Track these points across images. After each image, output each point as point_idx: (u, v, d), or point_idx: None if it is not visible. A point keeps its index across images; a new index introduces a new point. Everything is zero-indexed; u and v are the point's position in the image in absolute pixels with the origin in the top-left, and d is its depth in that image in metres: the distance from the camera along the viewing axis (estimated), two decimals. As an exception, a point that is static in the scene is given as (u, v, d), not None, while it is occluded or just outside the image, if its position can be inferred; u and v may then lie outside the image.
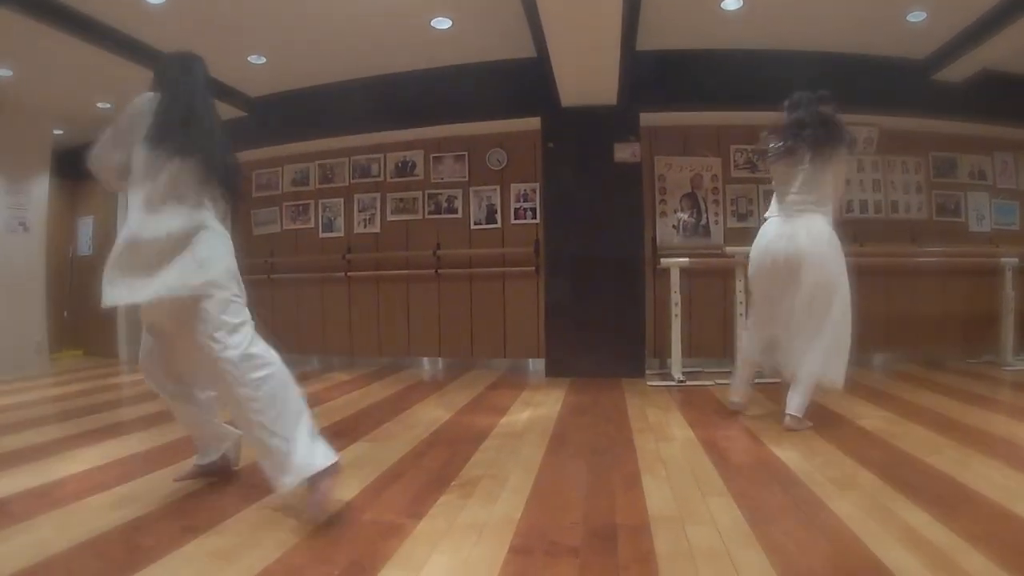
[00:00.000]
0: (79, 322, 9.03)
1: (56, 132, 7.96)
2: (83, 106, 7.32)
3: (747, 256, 4.36)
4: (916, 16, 5.53)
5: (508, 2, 5.08)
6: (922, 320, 6.76)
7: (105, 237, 8.43)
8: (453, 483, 2.94)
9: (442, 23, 5.70)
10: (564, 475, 3.09)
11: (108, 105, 7.34)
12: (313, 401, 4.30)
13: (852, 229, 6.59)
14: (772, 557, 2.04)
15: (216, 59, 5.32)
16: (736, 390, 4.37)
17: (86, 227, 9.15)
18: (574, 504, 2.64)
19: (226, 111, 6.97)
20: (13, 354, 6.94)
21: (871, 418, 4.17)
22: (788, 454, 3.33)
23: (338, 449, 2.59)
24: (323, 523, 2.40)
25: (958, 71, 6.18)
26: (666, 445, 3.58)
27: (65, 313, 8.95)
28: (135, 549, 2.21)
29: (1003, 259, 6.40)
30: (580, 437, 3.87)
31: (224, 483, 2.98)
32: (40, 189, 7.53)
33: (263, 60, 6.29)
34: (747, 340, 4.30)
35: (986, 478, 2.81)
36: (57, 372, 7.22)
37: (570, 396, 5.22)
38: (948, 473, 2.91)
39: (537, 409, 4.70)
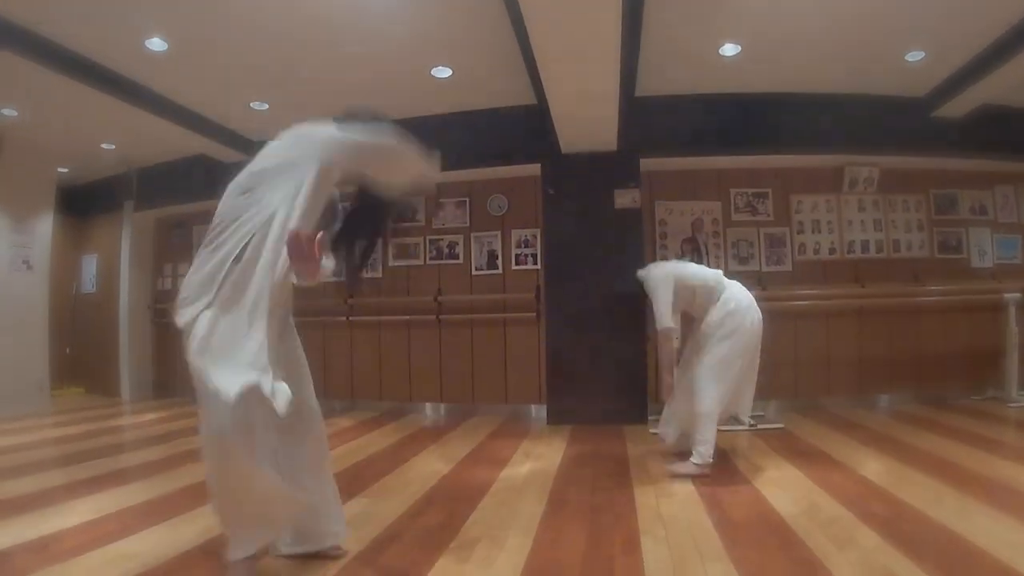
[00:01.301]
0: (81, 359, 9.08)
1: (61, 170, 8.09)
2: (88, 146, 7.46)
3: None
4: (914, 56, 5.57)
5: (507, 51, 5.15)
6: (925, 358, 6.71)
7: (108, 275, 8.80)
8: (451, 544, 2.92)
9: (442, 72, 5.78)
10: (563, 536, 3.04)
11: (112, 146, 7.52)
12: None
13: (853, 270, 6.64)
14: (768, 631, 2.01)
15: (218, 105, 5.43)
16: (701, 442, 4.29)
17: (90, 265, 9.21)
18: (571, 570, 2.62)
19: (228, 155, 7.14)
20: (14, 392, 6.98)
21: (873, 466, 4.14)
22: (789, 509, 3.30)
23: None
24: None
25: (958, 107, 6.20)
26: (667, 501, 3.55)
27: (67, 350, 9.02)
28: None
29: (1006, 295, 6.39)
30: (580, 493, 3.82)
31: (220, 543, 2.93)
32: (44, 227, 7.62)
33: (265, 106, 6.37)
34: (723, 393, 4.26)
35: (990, 532, 2.77)
36: (58, 411, 7.23)
37: (571, 446, 5.17)
38: (951, 528, 2.87)
39: (537, 461, 4.66)
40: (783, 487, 3.75)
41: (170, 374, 8.44)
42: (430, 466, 4.57)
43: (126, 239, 8.52)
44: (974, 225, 6.99)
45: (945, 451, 4.43)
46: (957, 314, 6.77)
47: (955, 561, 2.51)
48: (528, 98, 5.95)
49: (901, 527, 2.93)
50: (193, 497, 3.62)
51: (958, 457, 4.23)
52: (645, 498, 3.62)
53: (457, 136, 6.61)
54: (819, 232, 6.78)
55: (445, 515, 3.39)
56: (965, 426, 5.30)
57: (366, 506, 3.59)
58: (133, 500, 3.67)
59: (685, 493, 3.72)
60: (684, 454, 4.22)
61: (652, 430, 5.14)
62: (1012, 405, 6.12)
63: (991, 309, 6.57)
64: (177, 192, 7.99)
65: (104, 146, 7.51)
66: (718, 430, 4.19)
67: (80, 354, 9.11)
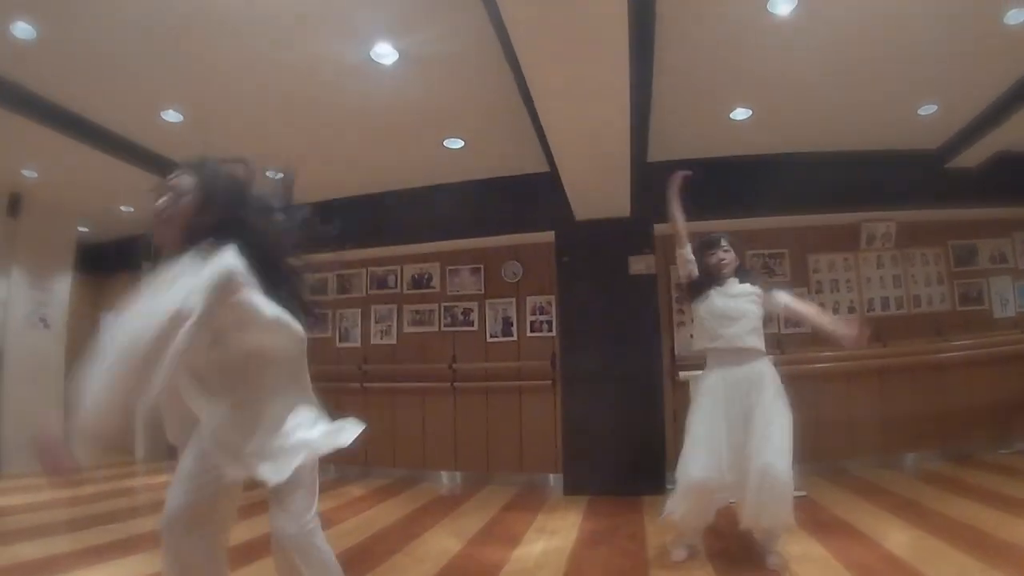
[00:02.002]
0: None
1: (81, 229, 8.21)
2: (107, 208, 7.62)
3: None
4: (927, 109, 5.57)
5: (518, 122, 5.18)
6: (950, 414, 6.54)
7: None
8: None
9: (454, 143, 5.87)
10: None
11: (131, 209, 7.67)
12: (326, 523, 4.23)
13: (874, 327, 6.51)
14: None
15: None
16: None
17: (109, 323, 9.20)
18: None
19: None
20: (29, 448, 6.95)
21: (898, 538, 4.01)
22: (811, 594, 3.19)
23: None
24: None
25: (973, 157, 6.18)
26: (681, 585, 3.44)
27: None
28: None
29: (1030, 345, 6.23)
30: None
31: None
32: (62, 286, 7.71)
33: (280, 175, 6.38)
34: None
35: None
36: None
37: (587, 521, 5.05)
38: (977, 613, 2.76)
39: (551, 539, 4.54)
40: (803, 566, 3.61)
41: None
42: (441, 543, 4.48)
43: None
44: (995, 274, 6.89)
45: (972, 517, 4.28)
46: (981, 367, 6.62)
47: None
48: (541, 165, 5.98)
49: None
50: None
51: (986, 524, 4.08)
52: (656, 580, 3.51)
53: (471, 203, 6.70)
54: (837, 291, 6.72)
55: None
56: (993, 485, 5.16)
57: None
58: (135, 572, 3.62)
59: (700, 571, 3.61)
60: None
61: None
62: (1041, 458, 5.94)
63: (1016, 359, 6.46)
64: None
65: (123, 208, 7.67)
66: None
67: None
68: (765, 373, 3.77)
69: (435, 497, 6.17)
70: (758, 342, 3.81)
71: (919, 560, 3.52)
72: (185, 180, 2.23)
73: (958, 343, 6.58)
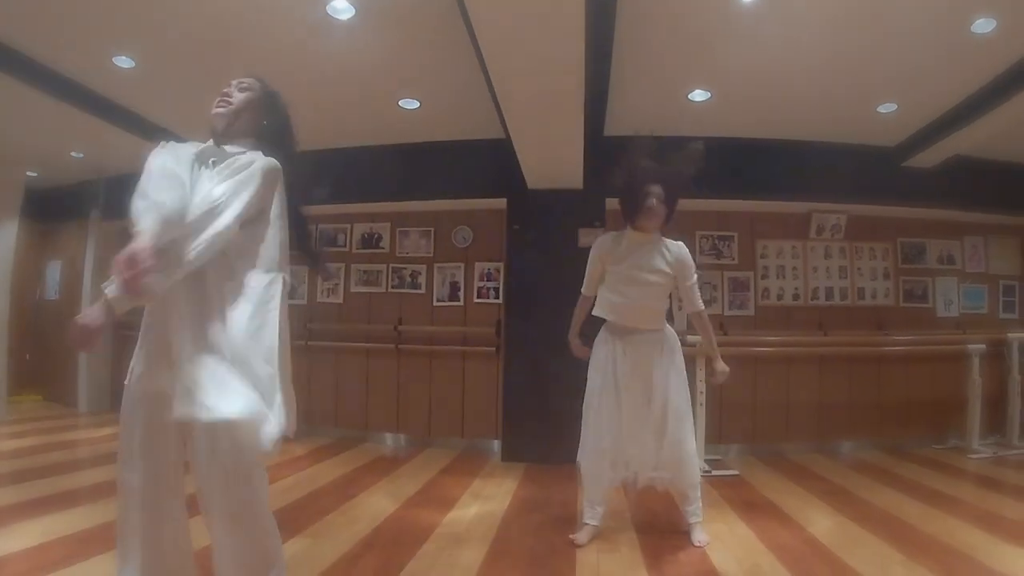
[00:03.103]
0: (40, 366, 8.93)
1: (29, 174, 7.98)
2: (57, 153, 7.36)
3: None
4: (887, 108, 5.57)
5: (475, 87, 5.05)
6: (887, 406, 6.70)
7: (72, 282, 8.65)
8: None
9: (410, 103, 5.73)
10: (495, 594, 2.95)
11: (81, 155, 7.40)
12: (275, 478, 4.21)
13: (817, 316, 6.63)
14: None
15: (181, 123, 5.37)
16: None
17: (54, 271, 9.07)
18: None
19: None
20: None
21: (823, 523, 4.07)
22: (729, 568, 3.25)
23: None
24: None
25: (929, 158, 6.21)
26: (607, 557, 3.45)
27: (27, 356, 8.86)
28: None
29: (970, 346, 6.38)
30: (523, 542, 3.73)
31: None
32: (7, 235, 7.47)
33: None
34: None
35: (931, 611, 2.70)
36: (15, 419, 7.11)
37: (522, 488, 5.08)
38: (891, 603, 2.80)
39: (485, 504, 4.56)
40: (728, 545, 3.65)
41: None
42: (377, 504, 4.46)
43: (91, 248, 8.35)
44: (941, 275, 7.01)
45: (899, 509, 4.36)
46: (920, 363, 6.77)
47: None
48: (497, 131, 5.85)
49: (842, 597, 2.85)
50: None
51: (912, 517, 4.15)
52: (585, 552, 3.52)
53: (424, 165, 6.58)
54: (783, 277, 6.76)
55: (381, 563, 3.29)
56: (924, 479, 5.26)
57: (306, 547, 3.48)
58: (79, 525, 3.58)
59: (628, 548, 3.63)
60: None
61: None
62: (973, 456, 6.11)
63: (955, 359, 6.57)
64: None
65: (73, 154, 7.41)
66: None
67: (40, 361, 8.98)
68: (670, 345, 3.76)
69: (375, 458, 6.13)
70: (661, 322, 3.77)
71: (840, 546, 3.57)
72: (253, 83, 2.40)
73: (899, 338, 6.68)
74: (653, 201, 3.64)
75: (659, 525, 3.97)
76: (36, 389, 8.92)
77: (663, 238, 3.76)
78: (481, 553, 3.49)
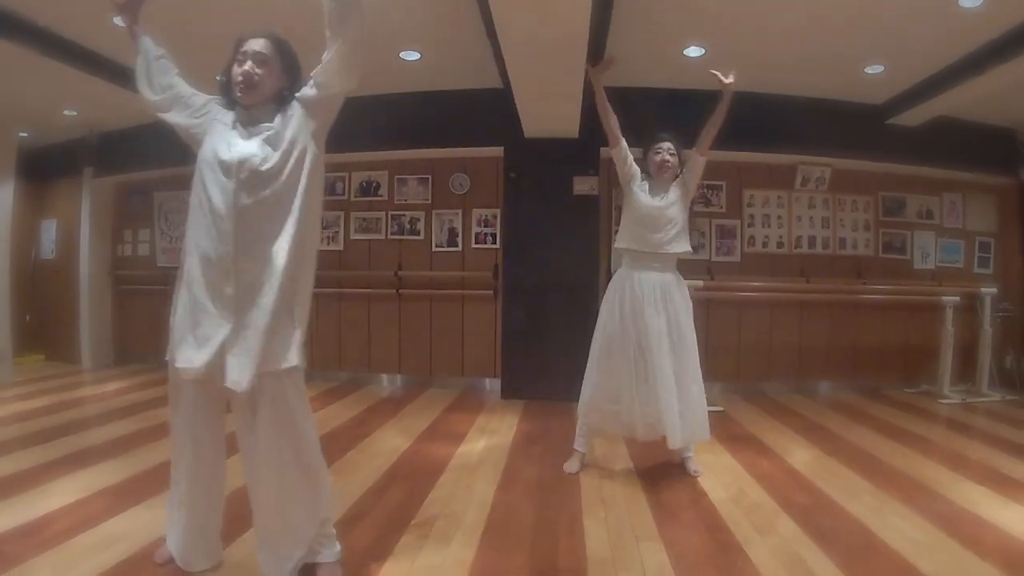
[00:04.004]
0: (41, 326, 8.90)
1: (21, 135, 7.84)
2: (49, 111, 7.30)
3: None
4: (873, 69, 5.76)
5: (475, 36, 5.19)
6: (863, 351, 7.08)
7: (68, 240, 8.59)
8: (412, 523, 3.12)
9: (411, 55, 5.82)
10: (513, 514, 3.26)
11: (74, 113, 7.37)
12: None
13: (799, 264, 6.93)
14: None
15: (185, 77, 5.35)
16: None
17: (49, 230, 8.97)
18: (521, 546, 2.85)
19: None
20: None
21: (801, 455, 4.42)
22: (718, 494, 3.57)
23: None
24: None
25: (914, 117, 6.44)
26: (608, 483, 3.78)
27: (27, 317, 8.79)
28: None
29: (944, 297, 6.69)
30: (531, 471, 4.04)
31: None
32: (5, 195, 7.31)
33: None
34: None
35: (897, 529, 3.03)
36: (21, 380, 7.04)
37: (523, 423, 5.40)
38: (863, 522, 3.14)
39: (492, 437, 4.87)
40: (715, 472, 4.00)
41: (131, 341, 8.50)
42: (391, 441, 4.74)
43: (86, 204, 8.34)
44: (919, 228, 7.30)
45: (872, 445, 4.71)
46: (896, 311, 7.11)
47: (861, 554, 2.76)
48: (494, 81, 6.01)
49: (818, 518, 3.19)
50: (167, 474, 3.62)
51: (883, 453, 4.51)
52: (589, 479, 3.85)
53: (422, 114, 6.70)
54: (769, 226, 7.03)
55: (406, 492, 3.58)
56: (895, 420, 5.61)
57: (333, 482, 3.74)
58: (113, 479, 3.69)
59: (625, 474, 3.96)
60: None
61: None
62: (943, 401, 6.46)
63: (930, 309, 6.90)
64: (139, 158, 7.79)
65: (66, 112, 7.36)
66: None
67: (40, 321, 8.94)
68: (680, 286, 3.97)
69: (380, 399, 6.39)
70: (684, 246, 3.95)
71: (816, 476, 3.93)
72: (268, 51, 2.44)
73: (877, 287, 7.00)
74: (665, 156, 3.98)
75: (653, 456, 4.25)
76: (37, 349, 8.82)
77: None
78: (494, 481, 3.80)
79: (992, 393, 6.68)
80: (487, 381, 6.96)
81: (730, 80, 3.91)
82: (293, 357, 2.33)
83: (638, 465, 4.15)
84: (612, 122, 3.98)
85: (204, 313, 2.30)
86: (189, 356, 2.31)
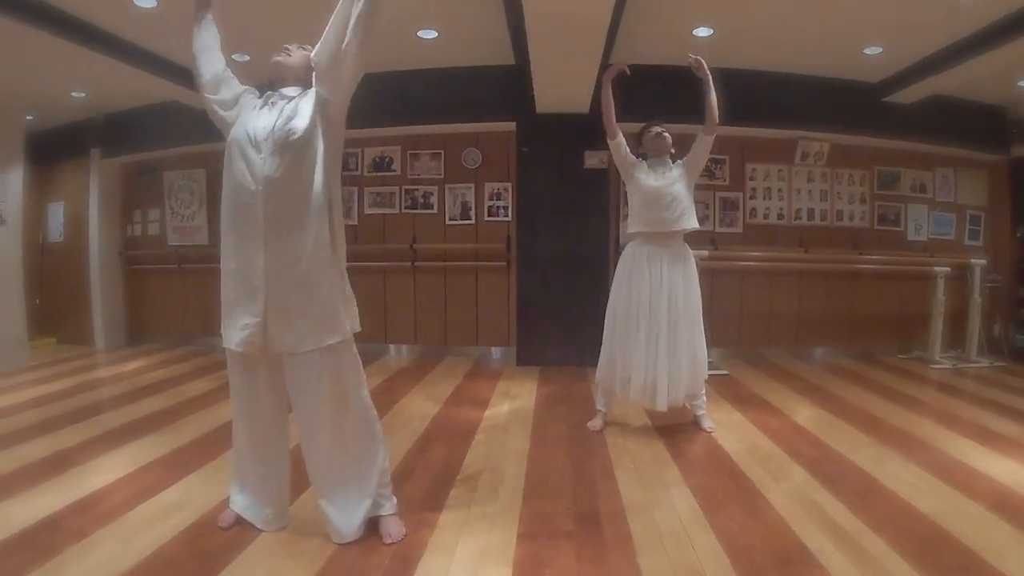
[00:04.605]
0: (51, 309, 8.83)
1: (28, 118, 7.70)
2: (57, 94, 7.30)
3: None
4: (872, 50, 6.04)
5: (493, 14, 5.35)
6: (858, 318, 7.44)
7: (76, 222, 8.53)
8: (458, 478, 3.39)
9: (428, 34, 5.95)
10: (550, 467, 3.57)
11: (83, 95, 7.37)
12: None
13: (799, 235, 7.24)
14: (721, 539, 2.59)
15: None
16: None
17: (56, 213, 8.85)
18: (562, 493, 3.14)
19: (201, 102, 6.84)
20: (-7, 348, 6.67)
21: (805, 413, 4.78)
22: (733, 447, 3.90)
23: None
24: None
25: (909, 95, 6.72)
26: (632, 439, 4.10)
27: (37, 300, 8.65)
28: (203, 555, 2.49)
29: (936, 268, 7.03)
30: (558, 429, 4.35)
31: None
32: (15, 179, 7.17)
33: (247, 58, 6.10)
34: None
35: (896, 476, 3.37)
36: (36, 365, 6.95)
37: (543, 387, 5.68)
38: (865, 470, 3.48)
39: (515, 401, 5.17)
40: (728, 428, 4.34)
41: (143, 321, 8.60)
42: (420, 406, 5.01)
43: (94, 186, 8.26)
44: (913, 202, 7.63)
45: (869, 405, 5.06)
46: (890, 281, 7.45)
47: (865, 496, 3.08)
48: (507, 58, 6.20)
49: (825, 466, 3.52)
50: (212, 444, 3.90)
51: (880, 412, 4.85)
52: (613, 436, 4.16)
53: (435, 90, 6.88)
54: (769, 199, 7.34)
55: (446, 451, 3.86)
56: (890, 383, 5.97)
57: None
58: (158, 452, 3.77)
59: (646, 432, 4.28)
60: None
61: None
62: (934, 366, 6.80)
63: (922, 279, 7.23)
64: (146, 138, 7.87)
65: (74, 94, 7.29)
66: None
67: (50, 304, 8.83)
68: (686, 259, 4.25)
69: (401, 368, 6.65)
70: (691, 221, 4.18)
71: (820, 431, 4.28)
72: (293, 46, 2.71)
73: (872, 257, 7.33)
74: (657, 129, 4.32)
75: (669, 416, 4.49)
76: (48, 332, 8.72)
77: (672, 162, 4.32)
78: (526, 440, 4.10)
79: (981, 360, 7.02)
80: (501, 350, 7.22)
81: (696, 63, 4.10)
82: (344, 328, 2.59)
83: (656, 424, 4.47)
84: (612, 117, 4.26)
85: (244, 289, 2.49)
86: (232, 334, 2.52)
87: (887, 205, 7.55)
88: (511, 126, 6.94)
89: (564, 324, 6.65)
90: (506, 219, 7.24)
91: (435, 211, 7.41)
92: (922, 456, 3.75)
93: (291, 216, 2.46)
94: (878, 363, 6.97)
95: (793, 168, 7.36)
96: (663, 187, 4.14)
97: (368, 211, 7.55)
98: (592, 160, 6.72)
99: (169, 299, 8.41)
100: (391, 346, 7.57)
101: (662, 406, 4.05)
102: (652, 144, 4.30)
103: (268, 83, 2.70)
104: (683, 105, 6.60)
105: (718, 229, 7.23)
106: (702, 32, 5.82)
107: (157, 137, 7.75)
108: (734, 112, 6.71)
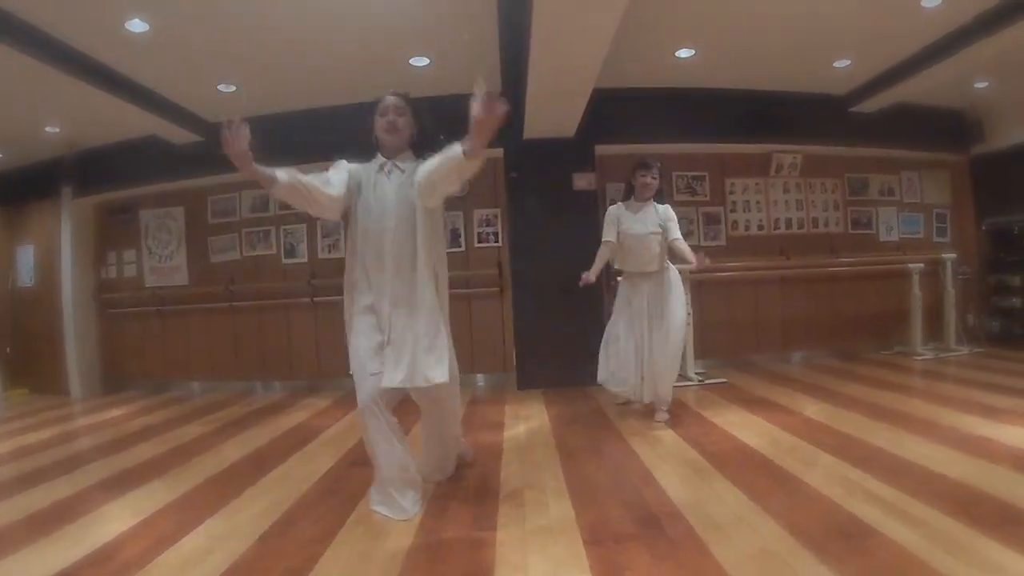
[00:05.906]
0: (23, 358, 8.41)
1: None
2: (28, 131, 7.08)
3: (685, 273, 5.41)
4: (842, 63, 6.42)
5: (484, 39, 5.50)
6: (840, 319, 7.75)
7: (47, 266, 8.22)
8: (501, 496, 3.38)
9: (420, 61, 6.03)
10: (587, 477, 3.63)
11: (56, 129, 7.09)
12: (319, 430, 5.06)
13: (778, 243, 7.50)
14: (778, 520, 2.72)
15: (181, 84, 5.46)
16: None
17: (26, 256, 8.50)
18: (610, 500, 3.20)
19: (181, 136, 6.82)
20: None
21: (812, 408, 4.98)
22: (756, 442, 4.05)
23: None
24: (414, 543, 2.78)
25: (873, 104, 7.17)
26: (659, 446, 4.19)
27: (8, 349, 8.43)
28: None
29: (910, 265, 7.38)
30: (581, 443, 4.41)
31: (297, 516, 3.21)
32: None
33: (232, 88, 6.17)
34: None
35: (919, 452, 3.56)
36: (11, 416, 6.67)
37: (551, 408, 5.70)
38: (887, 450, 3.66)
39: (529, 422, 5.19)
40: (745, 427, 4.49)
41: (120, 367, 8.27)
42: (439, 431, 5.04)
43: (66, 227, 7.96)
44: (883, 205, 8.03)
45: (870, 396, 5.27)
46: (867, 281, 7.78)
47: (896, 471, 3.25)
48: (493, 84, 6.28)
49: (849, 450, 3.69)
50: (223, 487, 3.77)
51: (882, 400, 5.07)
52: (638, 445, 4.25)
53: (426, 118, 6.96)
54: (749, 211, 7.64)
55: (480, 473, 3.85)
56: (880, 375, 6.24)
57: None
58: (167, 498, 3.60)
59: (669, 438, 4.38)
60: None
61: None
62: (917, 358, 7.11)
63: (897, 276, 7.57)
64: (120, 175, 7.69)
65: (48, 129, 7.03)
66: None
67: (22, 353, 8.43)
68: (669, 281, 4.95)
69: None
70: (660, 263, 4.96)
71: (831, 421, 4.50)
72: (404, 104, 3.29)
73: (849, 260, 7.67)
74: (648, 178, 4.94)
75: (683, 422, 4.76)
76: (21, 383, 8.22)
77: (654, 203, 5.00)
78: (554, 454, 4.16)
79: (960, 348, 7.37)
80: (499, 375, 7.26)
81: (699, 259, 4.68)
82: (443, 374, 3.09)
83: (675, 430, 4.57)
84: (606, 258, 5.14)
85: (377, 337, 3.15)
86: (376, 380, 3.14)
87: (859, 210, 7.91)
88: (498, 152, 6.98)
89: (562, 346, 6.73)
90: (496, 244, 7.35)
91: (425, 240, 7.40)
92: (936, 434, 3.95)
93: (412, 275, 3.16)
94: (864, 360, 7.25)
95: (769, 180, 7.67)
96: (643, 236, 4.91)
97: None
98: (580, 182, 6.88)
99: (147, 343, 8.14)
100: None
101: (648, 399, 4.92)
102: (639, 187, 4.98)
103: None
104: (663, 125, 6.93)
105: (703, 243, 7.43)
106: (684, 53, 6.06)
107: (132, 174, 7.60)
108: (711, 130, 7.06)
